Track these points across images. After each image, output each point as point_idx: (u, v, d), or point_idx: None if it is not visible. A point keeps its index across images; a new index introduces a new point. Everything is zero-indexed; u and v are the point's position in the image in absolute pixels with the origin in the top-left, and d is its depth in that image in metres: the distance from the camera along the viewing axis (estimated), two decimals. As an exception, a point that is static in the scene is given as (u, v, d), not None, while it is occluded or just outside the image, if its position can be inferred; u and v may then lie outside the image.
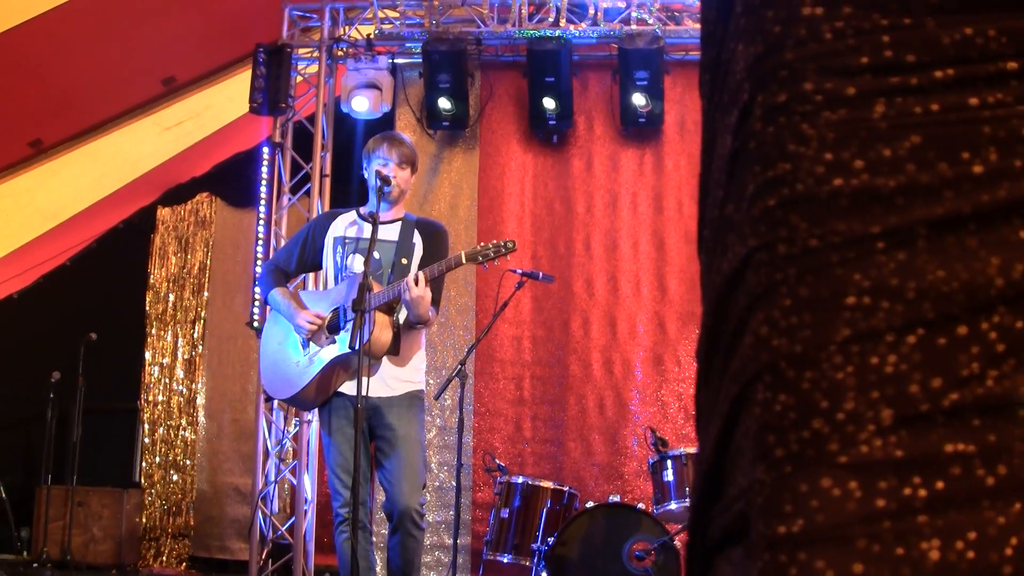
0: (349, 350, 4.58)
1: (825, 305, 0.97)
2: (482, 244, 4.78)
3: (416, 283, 4.52)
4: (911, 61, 0.99)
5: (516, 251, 7.36)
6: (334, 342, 4.77)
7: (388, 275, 4.80)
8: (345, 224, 5.01)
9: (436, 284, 4.75)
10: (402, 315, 4.79)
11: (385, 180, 4.87)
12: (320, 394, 4.82)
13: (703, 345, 1.12)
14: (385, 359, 4.75)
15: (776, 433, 0.96)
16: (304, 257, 5.11)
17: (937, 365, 0.95)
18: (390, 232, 4.92)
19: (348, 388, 4.76)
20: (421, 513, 4.70)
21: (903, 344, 0.95)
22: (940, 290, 0.95)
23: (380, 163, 4.96)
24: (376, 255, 4.80)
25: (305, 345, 4.84)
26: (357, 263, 4.83)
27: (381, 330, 4.62)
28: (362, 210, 5.06)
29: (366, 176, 5.07)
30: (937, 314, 0.95)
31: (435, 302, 4.76)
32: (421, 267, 4.79)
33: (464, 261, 4.68)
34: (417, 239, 4.94)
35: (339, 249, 4.94)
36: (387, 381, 4.76)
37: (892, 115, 0.99)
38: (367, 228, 4.84)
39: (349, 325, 4.65)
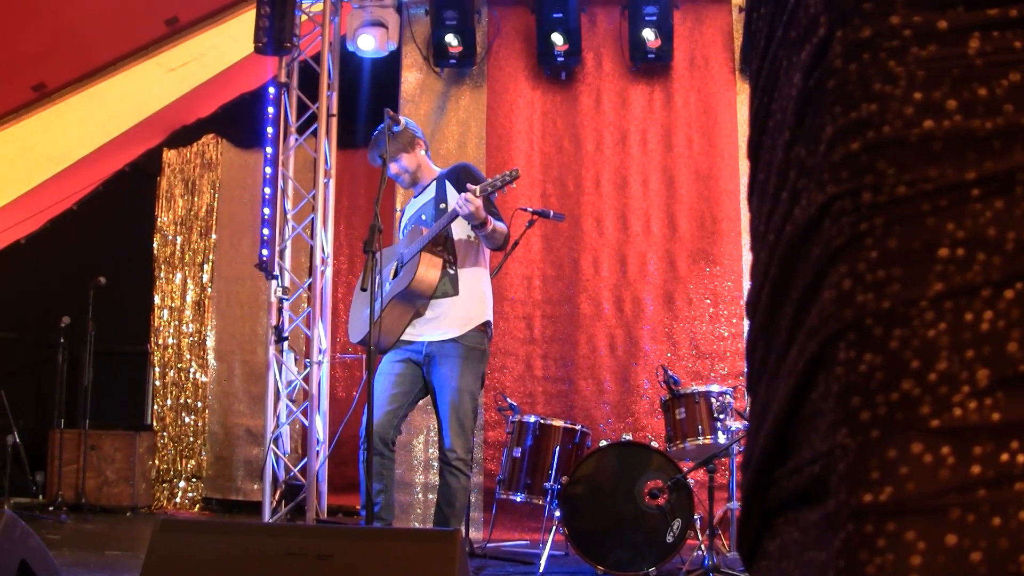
0: (404, 288, 5.01)
1: (916, 257, 0.90)
2: (489, 179, 5.05)
3: (467, 199, 4.88)
4: None
5: (523, 182, 7.53)
6: (392, 283, 5.22)
7: (431, 223, 5.20)
8: (408, 209, 5.55)
9: (486, 204, 5.10)
10: (462, 246, 5.18)
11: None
12: (387, 333, 5.11)
13: (764, 297, 1.04)
14: (441, 302, 5.11)
15: (861, 395, 0.89)
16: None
17: None
18: (429, 192, 5.37)
19: (409, 334, 5.14)
20: (464, 459, 5.06)
21: (1000, 299, 0.88)
22: None
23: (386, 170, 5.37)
24: (423, 217, 5.28)
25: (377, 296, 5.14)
26: (412, 233, 5.29)
27: (427, 269, 5.00)
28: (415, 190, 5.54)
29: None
30: None
31: (497, 217, 5.16)
32: None
33: (478, 194, 4.92)
34: (448, 186, 5.28)
35: (404, 231, 5.47)
36: (442, 321, 5.09)
37: (989, 51, 0.91)
38: (416, 202, 5.45)
39: (403, 269, 5.12)
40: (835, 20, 0.97)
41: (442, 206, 5.21)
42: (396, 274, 5.23)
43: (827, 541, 0.90)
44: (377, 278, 4.96)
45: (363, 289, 4.85)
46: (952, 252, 0.90)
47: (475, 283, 5.20)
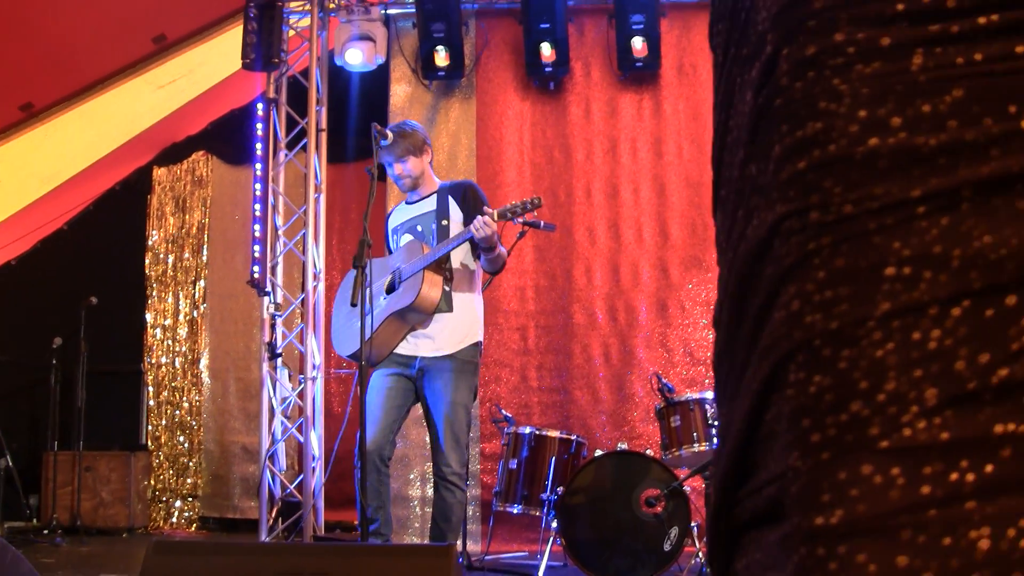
0: (405, 306, 4.97)
1: (863, 277, 0.89)
2: (512, 202, 5.01)
3: (485, 223, 4.83)
4: (952, 7, 0.90)
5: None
6: (388, 300, 5.15)
7: (431, 238, 5.12)
8: (396, 214, 5.47)
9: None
10: (459, 267, 5.15)
11: (381, 133, 5.12)
12: (381, 347, 5.08)
13: (726, 313, 1.04)
14: (438, 318, 5.06)
15: (812, 417, 0.89)
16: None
17: (985, 339, 0.87)
18: (428, 204, 5.28)
19: (402, 348, 5.10)
20: (459, 474, 5.03)
21: (948, 317, 0.88)
22: (987, 257, 0.87)
23: (388, 167, 5.36)
24: (419, 228, 5.20)
25: (368, 310, 5.03)
26: (405, 241, 5.23)
27: (430, 287, 4.95)
28: (409, 196, 5.45)
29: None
30: (984, 284, 0.87)
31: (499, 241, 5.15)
32: (466, 224, 5.12)
33: (496, 218, 4.89)
34: (452, 204, 5.23)
35: (393, 237, 5.39)
36: (437, 339, 5.06)
37: (932, 67, 0.90)
38: (409, 209, 5.36)
39: (402, 285, 5.04)
40: (781, 38, 0.96)
41: (444, 222, 5.15)
42: (392, 288, 5.16)
43: (783, 563, 0.89)
44: (367, 291, 4.97)
45: (353, 304, 4.81)
46: (899, 270, 0.89)
47: (469, 302, 5.18)
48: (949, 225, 0.89)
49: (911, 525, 0.85)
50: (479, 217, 4.85)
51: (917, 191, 0.90)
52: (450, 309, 5.08)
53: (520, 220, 6.08)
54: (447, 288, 5.06)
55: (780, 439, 0.92)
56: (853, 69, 0.92)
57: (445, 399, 5.01)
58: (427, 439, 5.25)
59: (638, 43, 7.84)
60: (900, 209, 0.90)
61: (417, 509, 7.90)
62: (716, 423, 5.93)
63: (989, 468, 0.85)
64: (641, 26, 7.79)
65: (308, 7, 8.31)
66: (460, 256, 5.15)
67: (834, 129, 0.92)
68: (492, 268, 5.19)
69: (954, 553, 0.84)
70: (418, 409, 5.27)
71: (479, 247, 5.00)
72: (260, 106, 8.19)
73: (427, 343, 5.05)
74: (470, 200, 5.20)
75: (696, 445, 6.00)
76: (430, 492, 7.53)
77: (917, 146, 0.90)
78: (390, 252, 5.44)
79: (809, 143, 0.93)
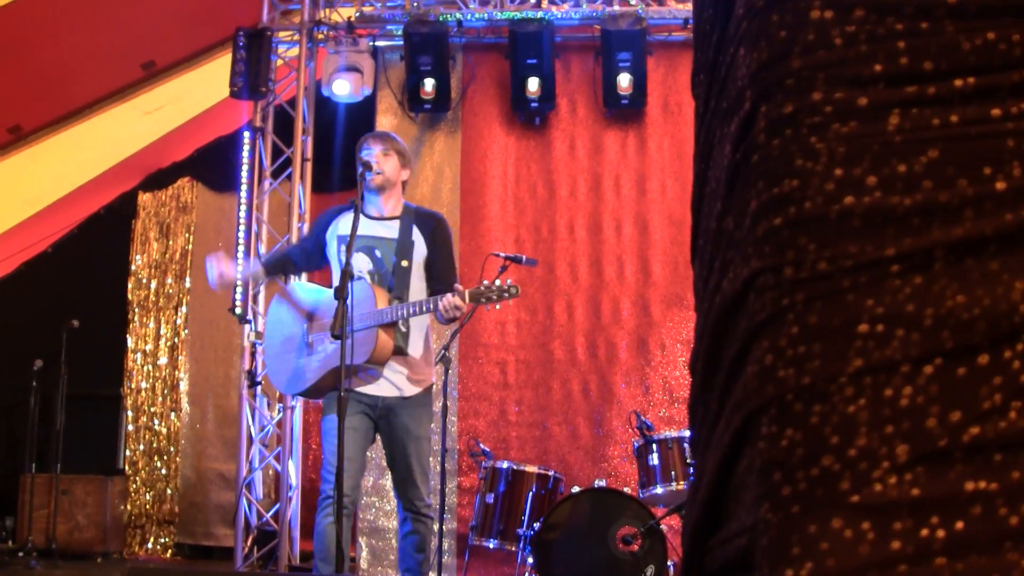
0: (358, 362, 4.65)
1: (836, 334, 0.89)
2: (486, 284, 4.75)
3: (456, 306, 4.63)
4: (929, 69, 0.91)
5: (497, 227, 7.37)
6: (335, 347, 4.61)
7: (389, 277, 4.83)
8: (346, 221, 4.85)
9: (452, 268, 5.04)
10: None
11: (366, 166, 4.84)
12: (323, 391, 4.91)
13: (700, 363, 1.05)
14: (395, 361, 4.84)
15: (782, 470, 0.89)
16: (307, 250, 5.21)
17: (956, 398, 0.87)
18: (390, 229, 4.94)
19: (366, 388, 4.86)
20: (427, 503, 4.95)
21: (920, 375, 0.88)
22: (960, 317, 0.87)
23: (364, 153, 4.99)
24: (377, 253, 4.86)
25: (310, 347, 4.88)
26: (360, 261, 4.86)
27: (384, 344, 4.69)
28: (367, 206, 5.02)
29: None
30: (956, 343, 0.87)
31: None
32: (429, 266, 4.94)
33: (467, 300, 4.68)
34: (417, 236, 4.95)
35: (342, 248, 4.79)
36: (397, 382, 4.87)
37: (908, 128, 0.91)
38: (370, 224, 4.90)
39: (353, 337, 4.54)
40: (759, 95, 0.97)
41: (404, 263, 4.86)
42: (338, 335, 4.50)
43: (753, 615, 0.90)
44: (310, 324, 4.85)
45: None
46: (872, 328, 0.89)
47: (424, 343, 4.98)
48: (922, 285, 0.89)
49: None
50: (449, 298, 4.60)
51: (891, 250, 0.90)
52: (406, 352, 4.86)
53: (502, 255, 6.10)
54: (404, 329, 4.82)
55: (751, 491, 0.92)
56: (830, 128, 0.93)
57: (413, 435, 4.89)
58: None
59: (624, 80, 7.88)
60: (874, 268, 0.90)
61: (393, 541, 7.85)
62: (693, 463, 5.95)
63: (959, 525, 0.85)
64: (628, 64, 7.84)
65: (297, 37, 8.35)
66: (416, 294, 4.90)
67: (810, 187, 0.93)
68: (443, 322, 4.86)
69: None
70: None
71: (438, 318, 4.75)
72: (247, 134, 8.20)
73: (387, 385, 4.84)
74: (439, 243, 4.99)
75: (674, 483, 6.00)
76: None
77: (892, 206, 0.91)
78: (324, 259, 5.09)
79: (785, 200, 0.94)
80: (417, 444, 4.91)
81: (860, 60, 0.92)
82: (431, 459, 7.76)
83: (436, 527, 5.56)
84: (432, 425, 5.09)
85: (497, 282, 4.76)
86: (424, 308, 4.67)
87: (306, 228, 8.07)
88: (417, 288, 4.92)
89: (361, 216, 4.78)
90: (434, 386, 5.11)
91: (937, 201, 0.89)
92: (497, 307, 4.79)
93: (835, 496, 0.88)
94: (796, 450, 0.89)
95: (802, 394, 0.90)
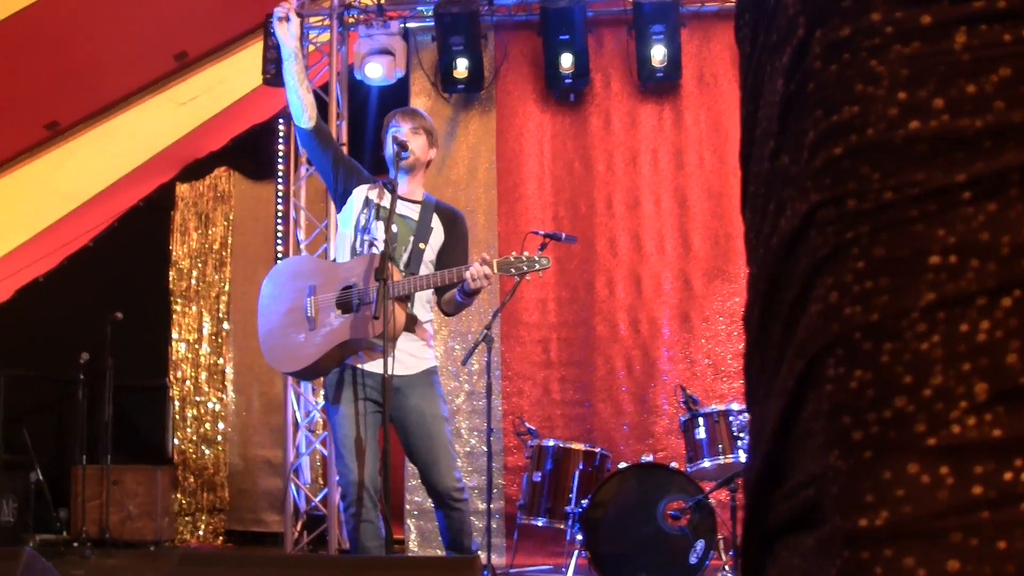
0: (367, 337, 4.45)
1: (905, 266, 0.84)
2: (515, 255, 4.58)
3: (486, 276, 4.43)
4: None
5: (535, 205, 7.24)
6: (342, 321, 4.57)
7: (403, 256, 4.67)
8: (375, 191, 4.82)
9: (464, 263, 4.70)
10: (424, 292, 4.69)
11: (401, 145, 4.69)
12: (325, 369, 4.67)
13: (755, 311, 0.99)
14: (402, 338, 4.60)
15: (852, 413, 0.84)
16: (338, 160, 4.88)
17: None
18: (410, 210, 4.78)
19: (358, 362, 4.63)
20: (460, 487, 4.62)
21: (997, 308, 0.83)
22: None
23: (394, 131, 4.81)
24: (394, 227, 4.63)
25: (311, 321, 4.65)
26: (377, 230, 4.67)
27: (397, 316, 4.47)
28: (385, 180, 4.83)
29: (384, 155, 4.88)
30: None
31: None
32: (441, 254, 4.75)
33: (495, 270, 4.50)
34: (436, 224, 4.80)
35: (365, 210, 4.74)
36: (404, 360, 4.59)
37: (976, 45, 0.86)
38: (399, 203, 4.67)
39: (363, 309, 4.47)
40: (813, 20, 0.92)
41: (421, 245, 4.69)
42: (346, 307, 4.57)
43: (824, 568, 0.85)
44: (311, 299, 4.60)
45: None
46: (944, 259, 0.84)
47: (426, 326, 4.78)
48: (996, 211, 0.84)
49: (962, 528, 0.81)
50: (478, 267, 4.41)
51: (961, 176, 0.85)
52: (413, 331, 4.66)
53: (541, 232, 6.05)
54: (410, 310, 4.63)
55: (817, 438, 0.87)
56: (891, 50, 0.88)
57: (427, 414, 4.61)
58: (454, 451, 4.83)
59: (658, 53, 7.80)
60: (943, 195, 0.85)
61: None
62: (741, 435, 5.89)
63: None
64: (661, 36, 7.76)
65: (328, 22, 8.34)
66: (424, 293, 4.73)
67: (871, 112, 0.87)
68: (454, 311, 4.79)
69: (1009, 557, 0.80)
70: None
71: (460, 289, 4.58)
72: (281, 121, 8.21)
73: (394, 363, 4.43)
74: (458, 235, 4.83)
75: (721, 457, 5.95)
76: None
77: (961, 129, 0.85)
78: (346, 188, 4.83)
79: (845, 128, 0.88)
80: (436, 423, 4.62)
81: None
82: (474, 438, 7.83)
83: (484, 507, 5.48)
84: (463, 401, 4.87)
85: (526, 253, 4.60)
86: (450, 278, 4.49)
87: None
88: (426, 273, 4.72)
89: (386, 191, 4.76)
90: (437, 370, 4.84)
91: (1011, 122, 0.84)
92: (527, 278, 4.61)
93: (910, 439, 0.83)
94: (866, 391, 0.85)
95: (871, 332, 0.85)
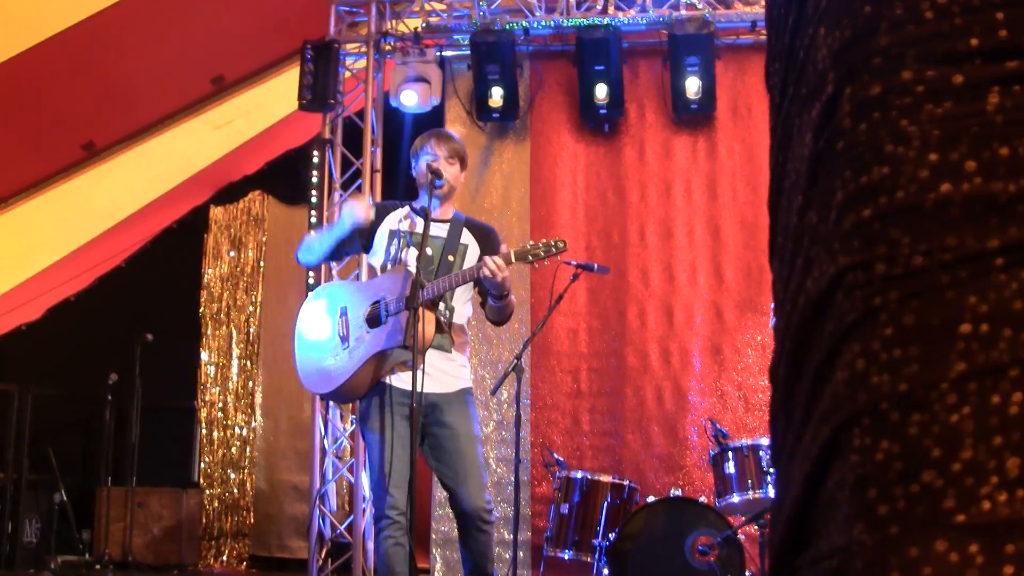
0: (398, 346, 4.44)
1: (935, 335, 0.81)
2: (531, 243, 4.58)
3: (497, 265, 4.38)
4: None
5: (568, 235, 7.19)
6: (372, 334, 4.58)
7: (436, 273, 4.63)
8: (398, 218, 4.82)
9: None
10: (460, 308, 4.71)
11: (436, 174, 4.67)
12: (360, 388, 4.64)
13: (782, 370, 0.97)
14: (436, 356, 4.59)
15: (878, 487, 0.81)
16: (357, 234, 4.85)
17: None
18: (439, 230, 4.76)
19: (392, 380, 4.60)
20: (489, 509, 4.57)
21: None
22: None
23: (429, 158, 4.79)
24: (428, 251, 4.62)
25: (344, 340, 4.66)
26: (411, 256, 4.66)
27: (426, 325, 4.39)
28: (415, 204, 4.84)
29: (415, 175, 4.91)
30: None
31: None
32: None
33: (513, 260, 4.47)
34: (468, 239, 4.80)
35: (394, 242, 4.75)
36: (439, 378, 4.58)
37: (1009, 107, 0.83)
38: (421, 222, 4.59)
39: (391, 320, 4.50)
40: (843, 76, 0.89)
41: (451, 259, 4.68)
42: (375, 321, 4.58)
43: (846, 645, 0.82)
44: (343, 320, 4.63)
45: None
46: (975, 328, 0.81)
47: (464, 347, 4.77)
48: None
49: None
50: (487, 257, 4.43)
51: (994, 242, 0.82)
52: (449, 350, 4.63)
53: (574, 263, 6.02)
54: (445, 328, 4.62)
55: (843, 508, 0.84)
56: (923, 109, 0.85)
57: (461, 432, 4.56)
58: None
59: (693, 85, 7.79)
60: (976, 262, 0.82)
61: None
62: (771, 470, 5.82)
63: None
64: (696, 68, 7.74)
65: (364, 49, 8.38)
66: (462, 299, 4.73)
67: (902, 174, 0.84)
68: (497, 317, 4.73)
69: None
70: None
71: (488, 292, 4.58)
72: (316, 147, 8.25)
73: (427, 381, 4.34)
74: (494, 244, 4.79)
75: (751, 492, 5.88)
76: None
77: (994, 193, 0.82)
78: (368, 244, 4.84)
79: (875, 189, 0.85)
80: (469, 442, 4.57)
81: (954, 34, 0.84)
82: (502, 468, 7.79)
83: (510, 537, 5.42)
84: (491, 430, 4.83)
85: (543, 240, 4.57)
86: (467, 277, 4.49)
87: (375, 239, 8.08)
88: (461, 297, 4.73)
89: (414, 216, 4.77)
90: (473, 392, 4.82)
91: None
92: (546, 263, 4.56)
93: (938, 515, 0.79)
94: (893, 464, 0.82)
95: (899, 402, 0.82)
